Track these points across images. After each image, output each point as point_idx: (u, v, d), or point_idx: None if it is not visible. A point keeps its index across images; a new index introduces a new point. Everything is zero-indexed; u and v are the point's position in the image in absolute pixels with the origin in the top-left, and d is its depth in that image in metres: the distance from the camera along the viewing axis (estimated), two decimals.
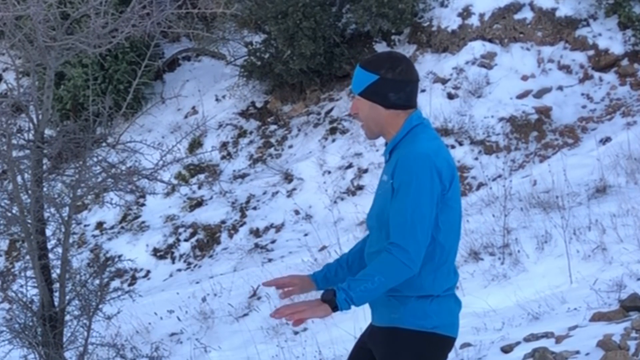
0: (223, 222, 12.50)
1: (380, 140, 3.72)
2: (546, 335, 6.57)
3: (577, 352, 6.06)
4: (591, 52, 12.63)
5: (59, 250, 6.55)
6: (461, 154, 11.72)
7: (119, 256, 12.22)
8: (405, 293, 3.47)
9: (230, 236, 12.28)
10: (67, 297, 6.53)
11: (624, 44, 12.50)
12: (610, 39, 12.60)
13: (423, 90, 12.46)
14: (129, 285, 11.61)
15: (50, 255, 6.51)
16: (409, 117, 3.56)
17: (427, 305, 3.49)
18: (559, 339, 6.42)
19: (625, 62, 12.44)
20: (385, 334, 3.54)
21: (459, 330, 3.62)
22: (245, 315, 9.27)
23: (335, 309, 3.37)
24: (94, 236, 13.04)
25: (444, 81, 12.69)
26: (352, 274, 3.69)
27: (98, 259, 12.16)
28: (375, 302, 3.59)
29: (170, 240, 12.46)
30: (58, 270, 6.52)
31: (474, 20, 13.28)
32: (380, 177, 3.64)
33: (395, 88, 3.54)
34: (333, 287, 3.38)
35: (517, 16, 13.11)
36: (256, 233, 12.15)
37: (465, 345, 6.75)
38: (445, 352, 3.59)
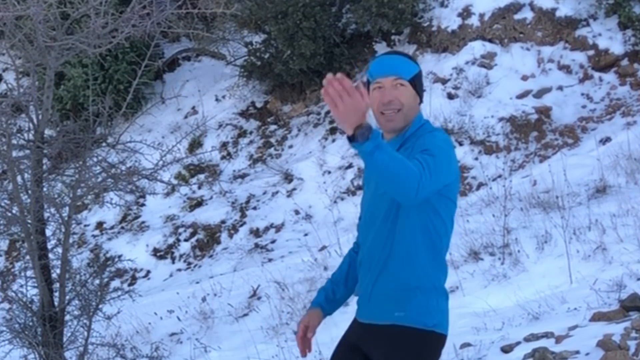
0: (223, 222, 12.50)
1: None
2: (546, 335, 6.57)
3: (577, 352, 6.06)
4: (591, 52, 12.63)
5: (59, 250, 6.56)
6: (461, 154, 11.71)
7: (119, 256, 12.22)
8: (415, 284, 3.49)
9: (230, 236, 12.27)
10: (67, 297, 6.53)
11: (624, 44, 12.50)
12: (610, 39, 12.60)
13: (423, 90, 12.45)
14: (129, 285, 11.61)
15: (50, 255, 6.51)
16: (419, 114, 3.64)
17: (429, 303, 3.51)
18: (559, 339, 6.42)
19: (625, 62, 12.43)
20: (386, 332, 3.53)
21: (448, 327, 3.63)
22: (245, 315, 9.27)
23: (356, 139, 3.16)
24: (94, 236, 13.04)
25: (444, 81, 12.69)
26: (349, 288, 3.76)
27: (98, 259, 12.16)
28: (373, 299, 3.58)
29: (170, 240, 12.46)
30: (58, 270, 6.52)
31: (474, 20, 13.28)
32: None
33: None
34: (371, 132, 3.16)
35: (517, 16, 13.11)
36: (256, 233, 12.15)
37: (465, 345, 6.74)
38: (440, 349, 3.60)
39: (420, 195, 3.26)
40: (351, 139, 3.17)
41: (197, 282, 10.82)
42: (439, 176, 3.36)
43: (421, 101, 3.65)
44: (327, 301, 3.79)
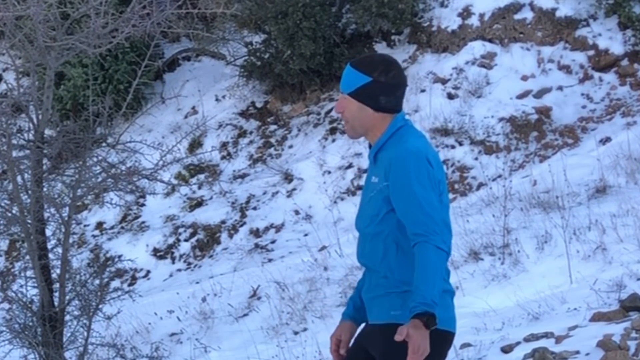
0: (223, 222, 12.50)
1: None
2: (546, 335, 6.57)
3: (577, 352, 6.06)
4: (591, 52, 12.63)
5: (59, 250, 6.56)
6: (461, 154, 11.71)
7: (119, 256, 12.22)
8: (405, 289, 3.49)
9: (230, 236, 12.27)
10: (67, 297, 6.53)
11: (624, 44, 12.50)
12: (610, 39, 12.60)
13: (423, 90, 12.45)
14: (129, 285, 11.60)
15: (50, 255, 6.51)
16: (393, 120, 3.61)
17: None
18: (559, 339, 6.42)
19: (625, 62, 12.43)
20: (384, 331, 3.53)
21: (456, 325, 3.63)
22: (245, 315, 9.27)
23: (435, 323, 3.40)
24: (94, 236, 13.04)
25: (444, 81, 12.68)
26: None
27: (98, 259, 12.15)
28: (373, 299, 3.60)
29: (170, 240, 12.46)
30: (58, 270, 6.52)
31: (474, 20, 13.28)
32: (367, 179, 3.67)
33: (387, 91, 3.59)
34: (424, 310, 3.33)
35: (517, 16, 13.11)
36: (256, 233, 12.15)
37: (465, 345, 6.74)
38: (445, 347, 3.59)
39: (448, 247, 3.44)
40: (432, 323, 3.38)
41: (197, 282, 10.82)
42: (432, 207, 3.43)
43: (379, 110, 3.59)
44: (356, 310, 3.77)
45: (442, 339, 3.54)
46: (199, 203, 13.05)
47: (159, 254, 12.37)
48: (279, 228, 12.04)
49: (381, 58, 3.68)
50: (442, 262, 3.41)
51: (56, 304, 6.49)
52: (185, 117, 14.79)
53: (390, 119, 3.61)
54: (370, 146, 3.69)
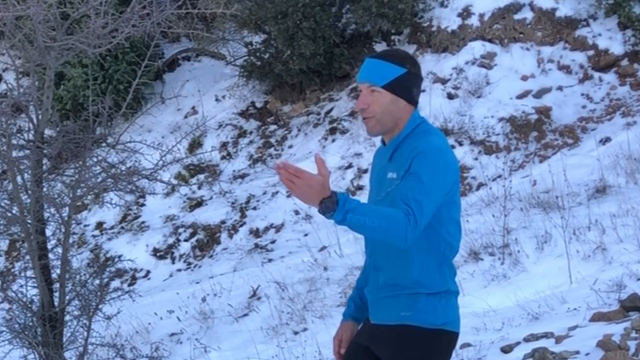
0: (223, 222, 12.50)
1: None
2: (546, 335, 6.57)
3: (577, 352, 6.06)
4: (591, 52, 12.63)
5: (59, 250, 6.56)
6: (461, 154, 11.71)
7: (119, 256, 12.22)
8: (416, 290, 3.49)
9: (230, 236, 12.27)
10: (67, 297, 6.54)
11: (623, 44, 12.50)
12: (610, 39, 12.60)
13: (423, 90, 12.42)
14: (129, 285, 11.60)
15: (50, 255, 6.52)
16: (412, 116, 3.58)
17: (437, 303, 3.52)
18: (559, 339, 6.42)
19: (625, 62, 12.43)
20: (393, 332, 3.52)
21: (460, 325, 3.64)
22: (245, 315, 9.27)
23: (325, 212, 3.24)
24: (94, 236, 13.04)
25: (444, 81, 12.69)
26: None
27: (98, 259, 12.16)
28: (380, 300, 3.59)
29: (170, 241, 12.46)
30: (58, 270, 6.52)
31: (473, 21, 13.28)
32: (381, 175, 3.61)
33: (417, 84, 3.58)
34: (338, 196, 3.22)
35: (517, 16, 13.12)
36: (256, 233, 12.15)
37: (465, 345, 6.75)
38: (452, 348, 3.61)
39: (410, 240, 3.29)
40: (322, 212, 3.24)
41: (197, 282, 10.82)
42: (430, 203, 3.37)
43: (410, 102, 3.56)
44: (358, 309, 3.77)
45: (447, 340, 3.56)
46: (198, 203, 13.06)
47: (159, 254, 12.37)
48: (279, 228, 12.04)
49: (405, 52, 3.67)
50: (393, 236, 3.27)
51: (56, 304, 6.50)
52: (185, 117, 14.80)
53: (412, 113, 3.57)
54: (383, 142, 3.63)
